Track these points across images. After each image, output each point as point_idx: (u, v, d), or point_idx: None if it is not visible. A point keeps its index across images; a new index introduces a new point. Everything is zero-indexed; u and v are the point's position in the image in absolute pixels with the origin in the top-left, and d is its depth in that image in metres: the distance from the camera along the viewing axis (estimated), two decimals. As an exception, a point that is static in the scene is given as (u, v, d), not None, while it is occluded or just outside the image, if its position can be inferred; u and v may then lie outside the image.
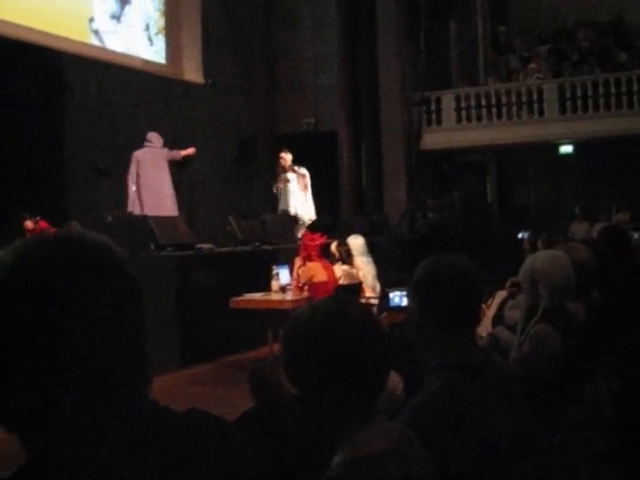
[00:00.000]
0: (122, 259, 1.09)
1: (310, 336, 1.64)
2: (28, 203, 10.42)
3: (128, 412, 1.04)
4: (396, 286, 6.06)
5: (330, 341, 1.61)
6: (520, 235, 12.60)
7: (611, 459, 3.20)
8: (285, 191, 13.02)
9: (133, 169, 11.56)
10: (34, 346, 0.98)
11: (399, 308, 5.43)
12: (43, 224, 10.33)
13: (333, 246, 9.11)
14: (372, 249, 9.61)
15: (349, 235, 9.57)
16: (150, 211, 10.99)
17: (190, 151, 12.37)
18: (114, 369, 1.02)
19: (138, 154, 11.64)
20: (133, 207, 11.49)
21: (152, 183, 11.59)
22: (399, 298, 5.33)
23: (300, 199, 13.04)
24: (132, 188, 11.51)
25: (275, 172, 13.29)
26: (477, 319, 2.49)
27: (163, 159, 11.88)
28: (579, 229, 15.36)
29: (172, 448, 1.06)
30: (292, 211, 12.90)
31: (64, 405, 0.99)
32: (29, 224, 10.32)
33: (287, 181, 12.94)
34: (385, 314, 6.42)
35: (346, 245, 9.13)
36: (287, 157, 12.94)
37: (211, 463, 1.09)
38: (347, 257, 8.99)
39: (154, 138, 11.89)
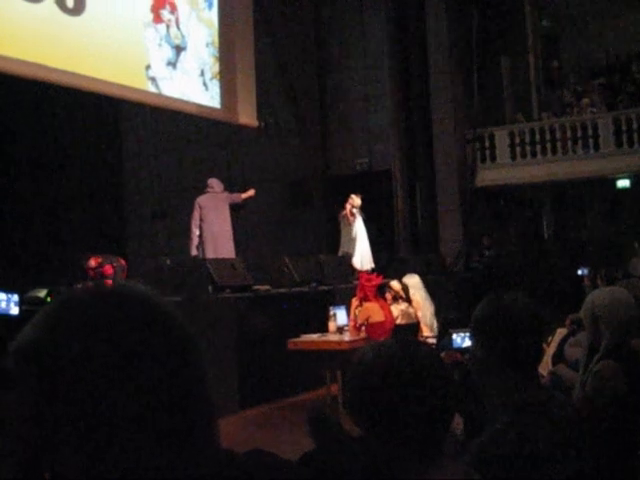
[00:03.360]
0: (167, 312, 1.05)
1: (377, 375, 1.64)
2: (89, 248, 10.56)
3: (190, 459, 1.00)
4: (453, 325, 6.01)
5: (397, 381, 1.62)
6: (580, 272, 12.44)
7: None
8: (349, 231, 13.10)
9: (196, 214, 11.78)
10: (74, 413, 0.95)
11: (462, 349, 5.37)
12: (108, 269, 10.32)
13: (395, 283, 9.05)
14: (428, 288, 9.57)
15: (404, 274, 9.55)
16: (212, 255, 11.16)
17: (251, 193, 12.52)
18: (165, 423, 0.98)
19: (200, 200, 11.85)
20: (196, 251, 11.69)
21: (214, 228, 11.78)
22: (461, 339, 5.28)
23: (364, 239, 13.12)
24: (196, 233, 11.74)
25: (340, 210, 13.40)
26: (539, 357, 2.48)
27: (224, 203, 12.06)
28: (639, 264, 15.10)
29: None
30: (357, 254, 12.94)
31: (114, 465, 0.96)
32: (92, 263, 10.35)
33: (353, 219, 13.00)
34: (444, 353, 6.37)
35: (403, 284, 9.11)
36: (357, 200, 13.09)
37: None
38: (404, 296, 8.96)
39: (215, 184, 12.11)
